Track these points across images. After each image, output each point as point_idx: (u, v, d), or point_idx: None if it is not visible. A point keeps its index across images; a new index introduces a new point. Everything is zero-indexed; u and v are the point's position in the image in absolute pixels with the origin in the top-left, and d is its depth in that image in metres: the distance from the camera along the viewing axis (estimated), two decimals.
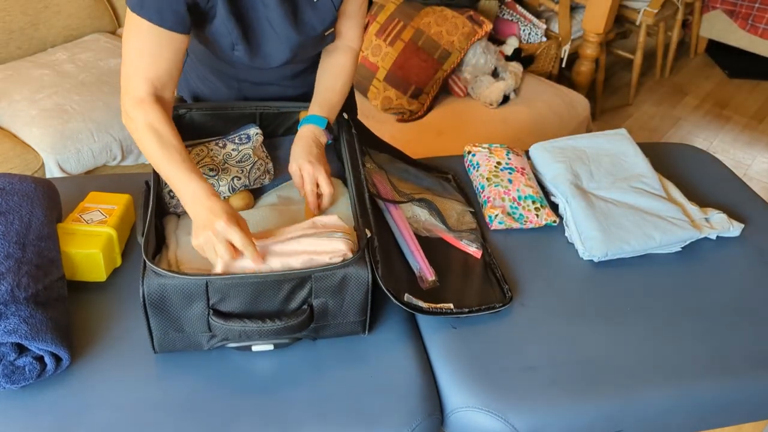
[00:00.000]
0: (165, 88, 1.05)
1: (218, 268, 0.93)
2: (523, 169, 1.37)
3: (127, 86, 1.04)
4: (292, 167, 1.15)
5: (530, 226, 1.28)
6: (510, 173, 1.34)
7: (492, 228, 1.27)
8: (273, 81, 1.30)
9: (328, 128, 1.20)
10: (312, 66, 1.30)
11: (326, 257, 0.96)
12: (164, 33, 1.01)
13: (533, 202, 1.30)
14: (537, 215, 1.28)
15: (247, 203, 1.14)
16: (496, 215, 1.27)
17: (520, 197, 1.30)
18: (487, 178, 1.34)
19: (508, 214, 1.28)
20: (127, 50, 1.03)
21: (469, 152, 1.43)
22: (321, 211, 1.13)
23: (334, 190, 1.14)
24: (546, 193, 1.37)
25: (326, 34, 1.20)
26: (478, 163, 1.39)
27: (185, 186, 0.98)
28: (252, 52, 1.13)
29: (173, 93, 1.09)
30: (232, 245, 0.93)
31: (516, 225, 1.27)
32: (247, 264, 0.94)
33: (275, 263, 0.95)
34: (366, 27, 2.59)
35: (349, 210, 1.14)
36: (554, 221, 1.28)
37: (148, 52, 1.02)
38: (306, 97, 1.27)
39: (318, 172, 1.12)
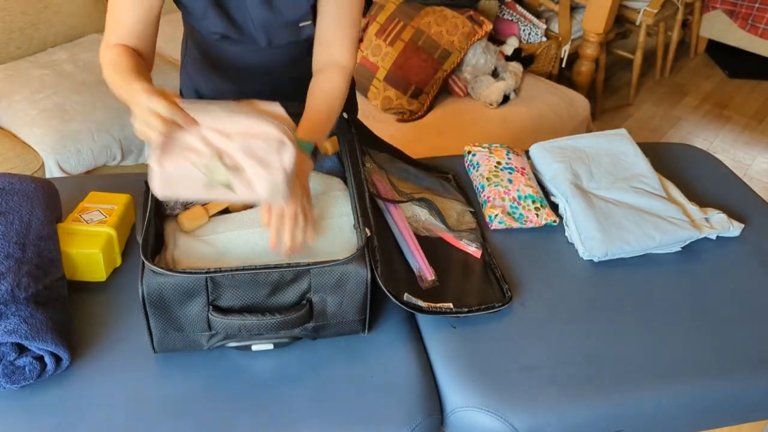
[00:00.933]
0: (141, 44, 1.07)
1: (153, 144, 0.88)
2: (523, 168, 1.37)
3: (104, 40, 1.08)
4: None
5: (530, 225, 1.28)
6: (510, 173, 1.35)
7: (492, 228, 1.27)
8: (266, 67, 1.29)
9: (314, 153, 1.10)
10: (305, 52, 1.26)
11: (260, 141, 0.90)
12: None
13: (533, 202, 1.29)
14: (537, 215, 1.28)
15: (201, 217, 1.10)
16: (496, 215, 1.27)
17: (520, 197, 1.30)
18: (487, 178, 1.34)
19: (508, 213, 1.28)
20: (108, 9, 1.08)
21: (469, 152, 1.43)
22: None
23: (332, 188, 1.14)
24: (546, 193, 1.37)
25: (301, 25, 1.18)
26: (478, 163, 1.39)
27: (128, 89, 0.94)
28: (224, 20, 1.13)
29: (149, 50, 1.11)
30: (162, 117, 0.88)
31: (516, 225, 1.27)
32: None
33: (212, 137, 0.90)
34: (366, 27, 2.59)
35: (349, 208, 1.14)
36: (554, 221, 1.28)
37: (123, 8, 1.06)
38: (300, 90, 1.25)
39: (290, 209, 1.00)
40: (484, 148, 1.42)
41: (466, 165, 1.44)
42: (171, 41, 2.59)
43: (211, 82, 1.34)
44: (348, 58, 1.20)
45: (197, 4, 1.12)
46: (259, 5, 1.13)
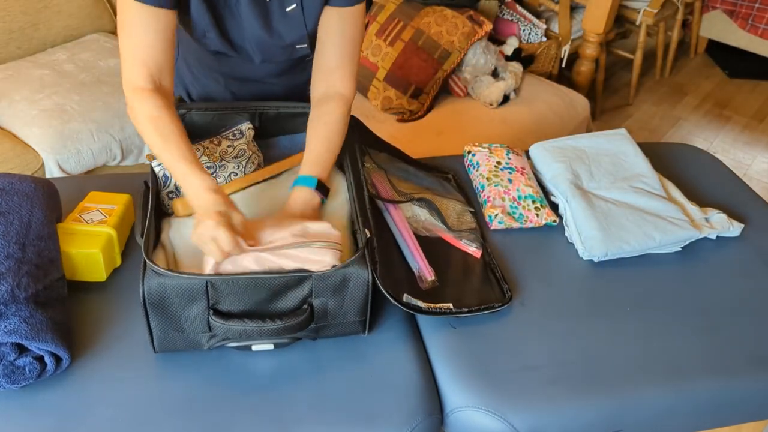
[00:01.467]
0: (161, 72, 1.05)
1: (207, 268, 0.93)
2: (523, 168, 1.37)
3: (125, 76, 1.05)
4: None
5: (530, 225, 1.28)
6: (510, 173, 1.35)
7: (492, 228, 1.27)
8: (258, 78, 1.30)
9: (320, 187, 1.11)
10: (298, 66, 1.30)
11: (315, 267, 0.95)
12: (151, 11, 1.00)
13: (533, 202, 1.30)
14: (537, 215, 1.28)
15: None
16: (496, 215, 1.27)
17: (520, 197, 1.30)
18: (487, 178, 1.34)
19: (508, 213, 1.28)
20: (120, 39, 1.04)
21: (469, 152, 1.43)
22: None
23: (334, 182, 1.16)
24: (546, 193, 1.37)
25: (297, 47, 1.18)
26: (478, 163, 1.39)
27: (185, 179, 0.99)
28: (223, 41, 1.14)
29: (171, 79, 1.08)
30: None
31: (516, 225, 1.27)
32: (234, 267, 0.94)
33: (266, 259, 0.95)
34: (366, 27, 2.59)
35: (346, 207, 1.14)
36: (554, 221, 1.28)
37: (138, 33, 1.02)
38: (292, 96, 1.28)
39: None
40: (484, 148, 1.42)
41: (466, 165, 1.44)
42: None
43: (203, 85, 1.35)
44: (350, 88, 1.19)
45: (198, 25, 1.11)
46: (259, 29, 1.13)
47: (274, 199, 1.14)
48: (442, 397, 1.01)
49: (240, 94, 1.34)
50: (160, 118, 1.02)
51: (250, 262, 0.94)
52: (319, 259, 0.95)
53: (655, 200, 1.29)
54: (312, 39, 1.17)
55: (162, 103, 1.03)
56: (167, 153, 1.00)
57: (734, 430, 1.20)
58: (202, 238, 0.92)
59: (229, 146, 1.15)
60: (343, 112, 1.17)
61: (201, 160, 1.12)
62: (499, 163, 1.37)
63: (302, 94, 1.32)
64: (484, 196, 1.32)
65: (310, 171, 1.11)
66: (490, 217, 1.28)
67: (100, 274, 1.09)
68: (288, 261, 0.95)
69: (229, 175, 1.15)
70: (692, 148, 1.62)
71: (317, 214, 1.11)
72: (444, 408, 1.00)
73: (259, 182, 1.17)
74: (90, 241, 1.07)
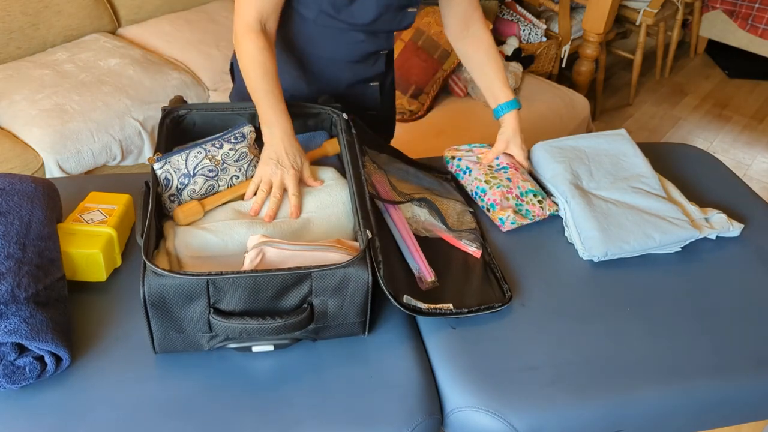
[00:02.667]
0: (269, 17, 1.19)
1: (247, 261, 0.98)
2: (513, 164, 1.37)
3: (239, 11, 1.18)
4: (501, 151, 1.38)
5: (537, 219, 1.29)
6: (506, 172, 1.35)
7: (505, 229, 1.28)
8: (337, 58, 1.33)
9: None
10: (374, 54, 1.36)
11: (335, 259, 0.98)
12: None
13: (534, 196, 1.31)
14: (542, 207, 1.29)
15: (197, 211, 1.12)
16: (508, 216, 1.27)
17: (522, 193, 1.31)
18: (485, 181, 1.33)
19: (517, 212, 1.28)
20: None
21: (453, 157, 1.42)
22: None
23: (337, 183, 1.18)
24: (546, 193, 1.37)
25: (408, 10, 1.28)
26: (468, 168, 1.38)
27: (274, 120, 1.16)
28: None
29: (275, 25, 1.22)
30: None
31: (526, 221, 1.28)
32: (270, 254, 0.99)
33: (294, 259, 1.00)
34: None
35: (348, 207, 1.14)
36: (556, 210, 1.31)
37: None
38: (354, 87, 1.38)
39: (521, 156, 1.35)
40: (468, 151, 1.42)
41: (454, 170, 1.42)
42: (171, 41, 2.59)
43: (287, 75, 1.36)
44: (487, 30, 1.42)
45: None
46: None
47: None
48: (442, 398, 1.01)
49: (310, 81, 1.38)
50: (263, 59, 1.17)
51: (287, 257, 0.99)
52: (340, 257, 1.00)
53: (655, 200, 1.29)
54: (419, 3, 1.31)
55: (265, 44, 1.17)
56: (263, 92, 1.16)
57: (734, 430, 1.20)
58: (270, 177, 1.12)
59: (231, 149, 1.15)
60: (491, 42, 1.42)
61: (203, 163, 1.12)
62: (491, 166, 1.38)
63: (365, 90, 1.41)
64: (490, 199, 1.31)
65: (509, 95, 1.40)
66: (501, 219, 1.27)
67: (100, 274, 1.09)
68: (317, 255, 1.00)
69: (231, 178, 1.15)
70: (692, 148, 1.62)
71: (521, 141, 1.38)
72: (444, 408, 1.00)
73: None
74: (90, 242, 1.07)
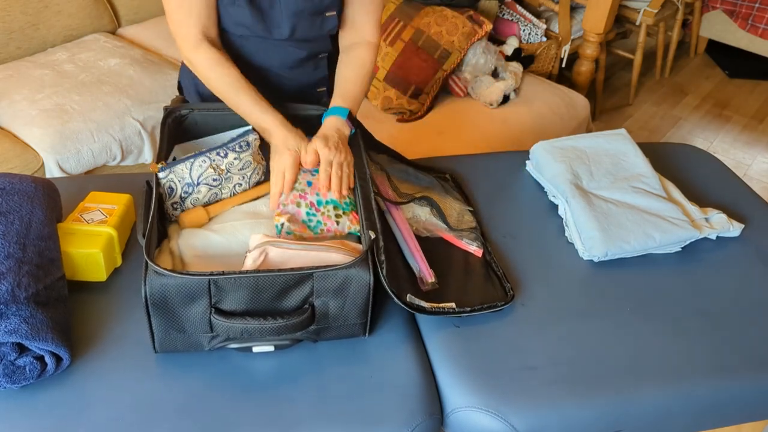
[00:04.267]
0: (209, 29, 1.17)
1: (249, 262, 0.98)
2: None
3: (179, 33, 1.17)
4: (309, 156, 1.15)
5: (329, 235, 1.09)
6: (313, 175, 1.16)
7: (280, 237, 1.06)
8: (273, 66, 1.29)
9: (350, 119, 1.22)
10: (311, 59, 1.30)
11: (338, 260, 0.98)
12: None
13: (335, 208, 1.12)
14: (337, 223, 1.11)
15: (201, 218, 1.12)
16: (282, 224, 1.07)
17: (319, 202, 1.12)
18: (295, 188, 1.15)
19: (302, 222, 1.09)
20: (167, 4, 1.16)
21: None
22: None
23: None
24: (545, 193, 1.37)
25: (327, 15, 1.23)
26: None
27: (258, 120, 1.16)
28: (252, 9, 1.17)
29: (217, 31, 1.20)
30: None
31: (310, 234, 1.08)
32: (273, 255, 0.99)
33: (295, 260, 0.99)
34: None
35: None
36: (357, 230, 1.11)
37: (185, 3, 1.14)
38: (301, 95, 1.30)
39: (337, 158, 1.14)
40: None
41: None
42: (171, 41, 2.59)
43: None
44: (375, 34, 1.30)
45: None
46: None
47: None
48: (442, 398, 1.01)
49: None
50: (222, 68, 1.16)
51: (290, 256, 0.99)
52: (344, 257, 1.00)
53: (655, 200, 1.29)
54: (340, 9, 1.25)
55: (216, 55, 1.16)
56: (235, 99, 1.16)
57: (734, 430, 1.20)
58: (276, 169, 1.12)
59: (235, 158, 1.15)
60: (371, 57, 1.30)
61: (207, 173, 1.12)
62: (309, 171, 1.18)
63: (312, 96, 1.34)
64: (278, 203, 1.12)
65: (343, 103, 1.23)
66: (277, 226, 1.08)
67: (100, 274, 1.09)
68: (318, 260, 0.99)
69: (234, 186, 1.15)
70: (692, 148, 1.62)
71: (345, 142, 1.19)
72: (444, 408, 1.00)
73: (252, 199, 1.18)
74: (90, 241, 1.07)
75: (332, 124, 1.20)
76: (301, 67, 1.31)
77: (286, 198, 1.12)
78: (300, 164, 1.13)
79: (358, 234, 1.11)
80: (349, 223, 1.12)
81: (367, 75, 1.29)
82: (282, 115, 1.17)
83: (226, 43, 1.26)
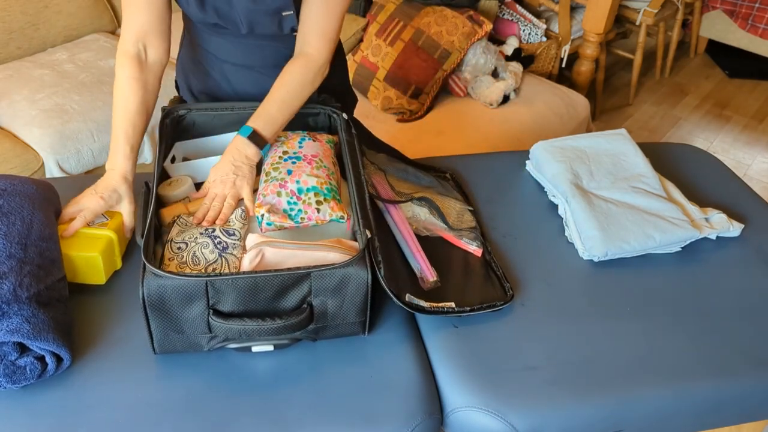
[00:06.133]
0: (148, 38, 1.17)
1: (246, 261, 0.98)
2: (314, 156, 1.15)
3: (120, 36, 1.18)
4: (203, 187, 1.13)
5: (310, 223, 1.07)
6: (293, 163, 1.13)
7: (263, 232, 1.07)
8: (254, 65, 1.29)
9: (254, 138, 1.14)
10: (291, 48, 1.27)
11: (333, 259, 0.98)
12: None
13: (315, 194, 1.08)
14: (318, 210, 1.07)
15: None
16: (263, 215, 1.06)
17: (300, 190, 1.09)
18: (266, 173, 1.14)
19: (284, 211, 1.07)
20: (122, 6, 1.17)
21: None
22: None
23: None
24: (545, 193, 1.37)
25: (284, 14, 1.18)
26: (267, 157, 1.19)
27: (111, 147, 1.13)
28: (203, 8, 1.17)
29: (159, 51, 1.18)
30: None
31: (291, 224, 1.07)
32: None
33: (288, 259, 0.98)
34: (366, 27, 2.59)
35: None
36: (341, 217, 1.08)
37: (130, 2, 1.15)
38: None
39: (228, 191, 1.10)
40: (280, 137, 1.22)
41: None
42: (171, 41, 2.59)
43: (200, 78, 1.35)
44: (315, 47, 1.19)
45: None
46: None
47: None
48: (442, 398, 1.01)
49: (238, 86, 1.33)
50: (124, 92, 1.14)
51: (286, 256, 0.98)
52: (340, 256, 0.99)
53: (655, 200, 1.29)
54: (298, 7, 1.17)
55: (133, 74, 1.15)
56: (114, 118, 1.14)
57: (734, 430, 1.21)
58: (79, 201, 1.10)
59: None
60: (300, 72, 1.19)
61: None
62: (285, 152, 1.17)
63: None
64: (257, 194, 1.11)
65: (251, 122, 1.16)
66: (258, 219, 1.07)
67: (99, 277, 1.08)
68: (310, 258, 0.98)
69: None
70: (692, 148, 1.62)
71: (251, 166, 1.14)
72: (444, 408, 1.00)
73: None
74: (90, 244, 1.07)
75: (231, 147, 1.14)
76: (282, 63, 1.25)
77: (265, 188, 1.10)
78: (101, 210, 1.10)
79: (340, 221, 1.09)
80: (330, 210, 1.08)
81: (288, 93, 1.18)
82: (130, 160, 1.12)
83: (201, 38, 1.27)
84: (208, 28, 1.25)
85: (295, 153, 1.16)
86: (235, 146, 1.14)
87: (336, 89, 1.37)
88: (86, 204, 1.09)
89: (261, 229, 1.07)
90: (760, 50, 3.68)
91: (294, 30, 1.22)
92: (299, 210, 1.07)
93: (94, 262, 1.06)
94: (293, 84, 1.19)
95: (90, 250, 1.06)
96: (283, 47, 1.26)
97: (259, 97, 1.20)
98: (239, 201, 1.11)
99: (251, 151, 1.14)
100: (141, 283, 0.90)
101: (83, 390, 0.94)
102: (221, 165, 1.13)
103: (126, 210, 1.13)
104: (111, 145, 1.13)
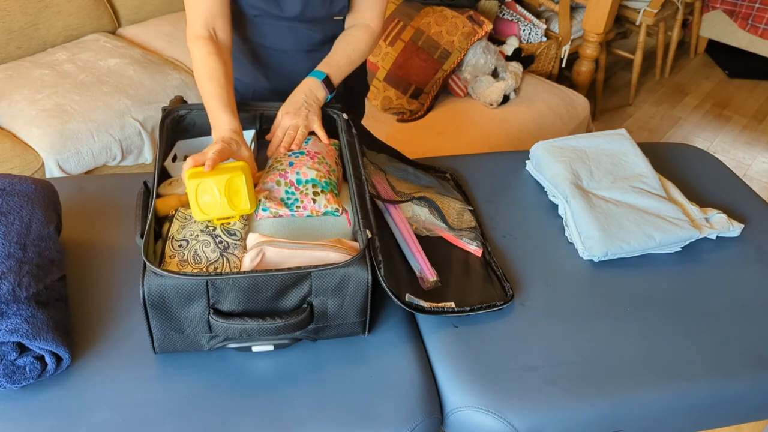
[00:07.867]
0: (216, 22, 1.21)
1: (247, 261, 0.97)
2: (317, 153, 1.18)
3: (188, 21, 1.22)
4: (276, 120, 1.22)
5: (305, 213, 1.09)
6: (297, 157, 1.16)
7: (258, 218, 1.08)
8: (289, 49, 1.34)
9: (327, 83, 1.25)
10: (327, 44, 1.35)
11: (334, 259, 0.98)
12: None
13: (314, 186, 1.11)
14: (314, 201, 1.09)
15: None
16: (260, 200, 1.08)
17: (299, 181, 1.12)
18: (269, 164, 1.18)
19: (280, 200, 1.09)
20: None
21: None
22: (283, 148, 1.16)
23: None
24: (545, 193, 1.37)
25: None
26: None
27: (213, 114, 1.14)
28: None
29: (225, 28, 1.23)
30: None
31: (285, 211, 1.08)
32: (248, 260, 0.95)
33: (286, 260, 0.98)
34: None
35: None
36: (336, 210, 1.10)
37: None
38: None
39: (301, 122, 1.19)
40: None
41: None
42: (171, 41, 2.59)
43: (246, 70, 1.40)
44: (376, 22, 1.34)
45: None
46: None
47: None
48: (442, 398, 1.01)
49: (272, 71, 1.38)
50: (208, 64, 1.17)
51: (287, 256, 0.98)
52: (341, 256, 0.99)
53: (655, 200, 1.29)
54: None
55: (211, 49, 1.18)
56: (205, 91, 1.16)
57: (734, 430, 1.21)
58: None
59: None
60: (366, 39, 1.32)
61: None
62: (291, 150, 1.20)
63: None
64: (258, 182, 1.13)
65: (323, 68, 1.27)
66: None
67: (244, 201, 1.01)
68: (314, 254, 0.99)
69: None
70: (692, 148, 1.62)
71: (317, 104, 1.24)
72: (444, 408, 1.00)
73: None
74: (230, 170, 1.00)
75: (304, 86, 1.24)
76: (317, 51, 1.35)
77: (265, 177, 1.13)
78: (228, 154, 1.06)
79: (335, 213, 1.11)
80: (326, 202, 1.10)
81: (355, 51, 1.31)
82: (234, 118, 1.13)
83: (241, 24, 1.31)
84: (256, 18, 1.29)
85: (299, 150, 1.20)
86: (309, 86, 1.23)
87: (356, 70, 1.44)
88: (212, 149, 1.04)
89: (257, 216, 1.07)
90: (760, 50, 3.68)
91: (342, 12, 1.31)
92: (296, 199, 1.09)
93: (236, 185, 1.00)
94: (360, 44, 1.32)
95: (232, 172, 1.00)
96: (319, 32, 1.33)
97: (287, 82, 1.29)
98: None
99: (321, 94, 1.25)
100: (141, 282, 0.90)
101: (83, 389, 0.94)
102: (294, 98, 1.23)
103: (245, 155, 1.11)
104: (210, 117, 1.15)
